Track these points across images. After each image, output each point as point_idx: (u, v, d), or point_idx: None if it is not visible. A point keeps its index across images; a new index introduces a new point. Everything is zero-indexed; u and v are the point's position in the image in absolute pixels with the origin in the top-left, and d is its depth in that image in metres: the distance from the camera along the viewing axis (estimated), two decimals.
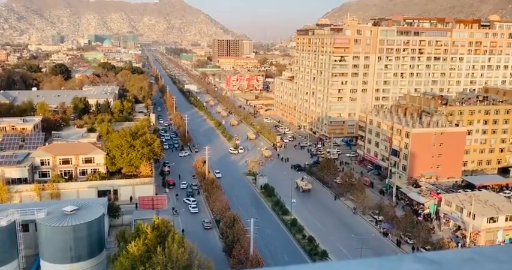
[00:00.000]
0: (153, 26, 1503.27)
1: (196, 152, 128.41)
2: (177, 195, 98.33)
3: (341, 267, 3.70)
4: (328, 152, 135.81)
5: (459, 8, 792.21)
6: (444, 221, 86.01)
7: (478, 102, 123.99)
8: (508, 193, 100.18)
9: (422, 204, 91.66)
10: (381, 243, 78.36)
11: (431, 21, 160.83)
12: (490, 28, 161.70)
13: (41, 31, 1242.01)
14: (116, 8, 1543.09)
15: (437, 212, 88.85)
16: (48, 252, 57.38)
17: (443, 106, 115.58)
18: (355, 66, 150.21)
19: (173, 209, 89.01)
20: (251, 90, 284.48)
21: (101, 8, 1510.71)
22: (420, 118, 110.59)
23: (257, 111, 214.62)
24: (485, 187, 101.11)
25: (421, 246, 74.04)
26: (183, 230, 79.13)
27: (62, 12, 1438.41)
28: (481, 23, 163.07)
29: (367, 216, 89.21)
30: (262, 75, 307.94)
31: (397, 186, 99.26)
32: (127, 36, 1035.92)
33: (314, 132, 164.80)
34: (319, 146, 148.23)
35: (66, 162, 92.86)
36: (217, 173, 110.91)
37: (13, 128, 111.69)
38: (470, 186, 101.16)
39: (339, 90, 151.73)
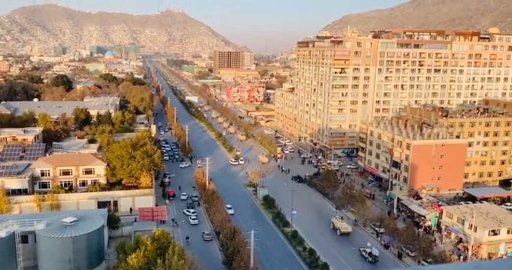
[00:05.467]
0: (154, 37, 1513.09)
1: (199, 167, 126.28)
2: (187, 237, 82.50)
3: None
4: (329, 163, 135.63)
5: (459, 21, 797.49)
6: (445, 233, 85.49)
7: (479, 114, 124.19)
8: (510, 205, 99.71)
9: (424, 217, 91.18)
10: (382, 255, 77.75)
11: (431, 34, 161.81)
12: (489, 41, 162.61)
13: (43, 42, 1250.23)
14: (118, 19, 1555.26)
15: (438, 224, 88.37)
16: (47, 263, 57.02)
17: (444, 118, 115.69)
18: (355, 78, 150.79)
19: (173, 220, 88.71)
20: (252, 101, 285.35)
21: (102, 20, 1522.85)
22: (421, 130, 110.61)
23: (257, 123, 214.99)
24: (486, 199, 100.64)
25: (423, 259, 73.48)
26: (187, 237, 79.99)
27: (64, 24, 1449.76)
28: (481, 36, 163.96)
29: (368, 228, 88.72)
30: (263, 87, 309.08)
31: (398, 198, 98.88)
32: (128, 48, 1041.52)
33: (315, 144, 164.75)
34: (319, 157, 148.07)
35: (66, 173, 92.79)
36: (229, 208, 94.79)
37: (14, 139, 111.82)
38: (472, 199, 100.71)
39: (340, 101, 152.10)
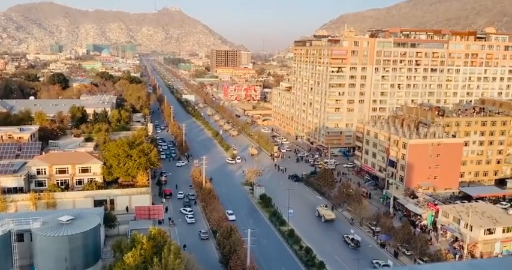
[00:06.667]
0: (151, 36, 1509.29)
1: (196, 166, 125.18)
2: (185, 245, 76.04)
3: None
4: (326, 162, 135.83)
5: (455, 20, 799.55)
6: (441, 232, 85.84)
7: (475, 113, 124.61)
8: (505, 205, 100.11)
9: (420, 215, 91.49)
10: (378, 254, 78.01)
11: (428, 33, 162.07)
12: (486, 40, 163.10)
13: (39, 40, 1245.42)
14: (115, 18, 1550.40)
15: (434, 223, 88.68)
16: (43, 262, 56.94)
17: (440, 117, 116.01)
18: (352, 77, 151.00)
19: (170, 219, 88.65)
20: (249, 100, 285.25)
21: (99, 18, 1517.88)
22: (417, 129, 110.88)
23: (254, 121, 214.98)
24: (482, 198, 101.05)
25: (419, 258, 73.74)
26: (184, 246, 75.32)
27: (60, 22, 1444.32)
28: (477, 35, 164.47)
29: (365, 227, 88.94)
30: (260, 86, 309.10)
31: (394, 197, 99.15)
32: (125, 46, 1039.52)
33: (311, 143, 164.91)
34: (316, 156, 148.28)
35: (62, 171, 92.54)
36: (230, 214, 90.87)
37: (10, 137, 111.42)
38: (467, 198, 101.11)
39: (336, 100, 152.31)
